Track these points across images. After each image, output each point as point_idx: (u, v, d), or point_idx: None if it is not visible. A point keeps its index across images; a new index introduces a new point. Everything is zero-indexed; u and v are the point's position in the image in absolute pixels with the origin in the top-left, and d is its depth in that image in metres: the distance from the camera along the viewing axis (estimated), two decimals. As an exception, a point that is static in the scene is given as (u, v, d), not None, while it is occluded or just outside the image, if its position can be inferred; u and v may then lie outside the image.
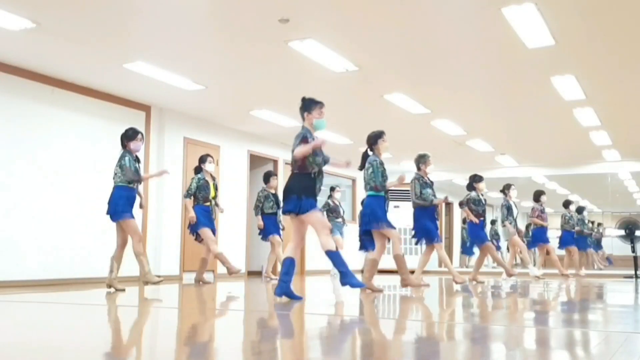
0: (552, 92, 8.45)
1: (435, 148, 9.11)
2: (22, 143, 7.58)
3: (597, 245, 15.53)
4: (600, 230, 16.23)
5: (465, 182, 9.18)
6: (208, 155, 8.27)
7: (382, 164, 6.53)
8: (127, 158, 6.34)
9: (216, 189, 8.28)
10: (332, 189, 11.20)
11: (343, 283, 5.24)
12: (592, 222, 14.90)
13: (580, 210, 12.41)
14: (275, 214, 9.44)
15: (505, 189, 9.98)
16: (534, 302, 5.84)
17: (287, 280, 5.19)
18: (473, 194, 8.89)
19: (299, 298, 5.30)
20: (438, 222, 7.87)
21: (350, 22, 6.18)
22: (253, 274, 11.16)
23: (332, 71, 7.49)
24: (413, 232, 7.85)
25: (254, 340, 3.22)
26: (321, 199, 6.78)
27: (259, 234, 9.47)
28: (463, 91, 8.69)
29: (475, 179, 8.95)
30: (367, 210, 6.59)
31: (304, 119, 5.34)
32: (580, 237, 12.10)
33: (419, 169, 7.65)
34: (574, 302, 5.94)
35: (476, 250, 9.72)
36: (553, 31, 6.25)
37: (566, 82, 8.04)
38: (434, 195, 7.59)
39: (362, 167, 6.59)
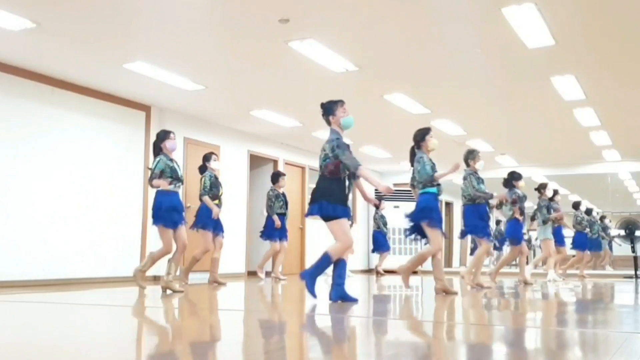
0: (552, 92, 8.45)
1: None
2: (22, 143, 7.57)
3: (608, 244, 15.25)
4: (608, 225, 15.92)
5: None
6: (212, 153, 8.18)
7: (429, 159, 6.22)
8: (159, 161, 6.23)
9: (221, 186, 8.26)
10: None
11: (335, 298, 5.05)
12: (602, 219, 14.61)
13: (589, 212, 12.28)
14: (284, 214, 9.38)
15: (541, 189, 9.81)
16: (533, 303, 5.84)
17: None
18: (519, 191, 8.47)
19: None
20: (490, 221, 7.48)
21: (350, 22, 6.17)
22: (253, 274, 11.13)
23: (332, 71, 7.49)
24: (462, 229, 7.58)
25: (254, 340, 3.22)
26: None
27: (262, 232, 9.42)
28: (463, 91, 8.69)
29: (514, 177, 8.54)
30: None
31: (330, 123, 5.23)
32: (593, 239, 11.93)
33: (467, 165, 7.30)
34: (574, 303, 5.93)
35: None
36: (553, 31, 6.25)
37: (566, 82, 8.04)
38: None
39: (412, 164, 6.30)
